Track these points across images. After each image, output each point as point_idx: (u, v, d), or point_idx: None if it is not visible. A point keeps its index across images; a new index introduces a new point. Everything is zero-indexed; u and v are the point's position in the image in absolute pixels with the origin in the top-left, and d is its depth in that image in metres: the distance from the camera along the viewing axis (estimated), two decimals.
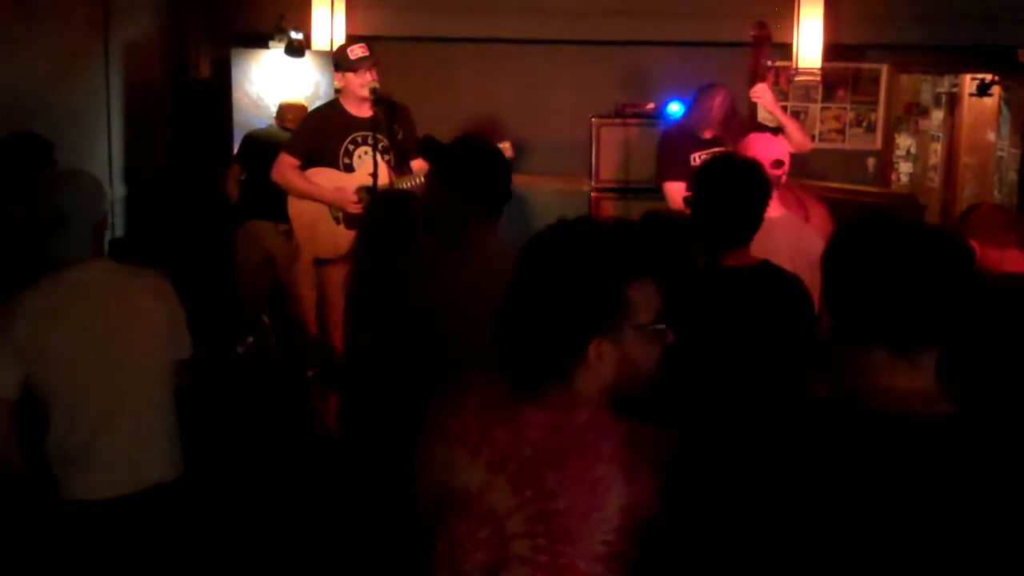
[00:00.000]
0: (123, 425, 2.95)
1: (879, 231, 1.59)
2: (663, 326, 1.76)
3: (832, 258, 1.62)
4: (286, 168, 5.16)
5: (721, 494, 1.56)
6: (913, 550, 1.43)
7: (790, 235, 3.55)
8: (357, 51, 5.08)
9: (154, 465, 3.01)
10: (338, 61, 5.24)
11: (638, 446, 1.69)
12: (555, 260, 1.74)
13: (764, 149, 3.87)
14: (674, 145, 5.31)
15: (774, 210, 3.38)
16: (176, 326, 3.10)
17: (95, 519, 2.92)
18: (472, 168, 3.00)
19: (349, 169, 5.13)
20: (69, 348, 2.88)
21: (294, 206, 5.24)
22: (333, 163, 5.13)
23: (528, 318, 1.74)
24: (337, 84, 6.90)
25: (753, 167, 3.12)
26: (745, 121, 5.24)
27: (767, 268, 3.03)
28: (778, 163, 3.87)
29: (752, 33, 5.34)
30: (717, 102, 5.17)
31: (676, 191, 5.04)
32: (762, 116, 5.26)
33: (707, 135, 5.22)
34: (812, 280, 3.34)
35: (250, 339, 6.12)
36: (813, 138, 7.90)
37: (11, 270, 3.19)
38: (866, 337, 1.55)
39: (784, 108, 7.77)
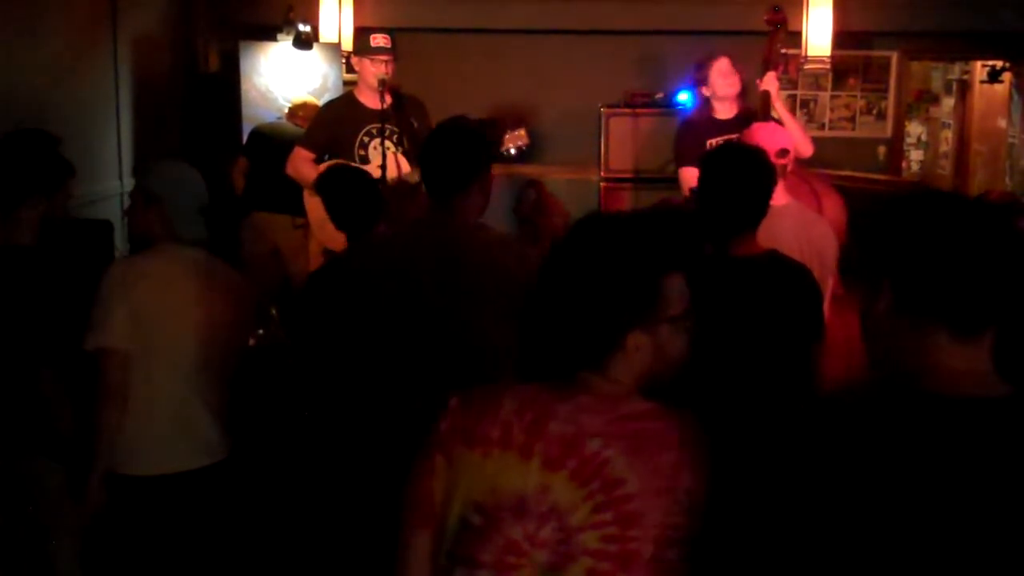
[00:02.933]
0: (195, 401, 3.10)
1: (937, 205, 1.57)
2: (693, 318, 1.81)
3: (890, 234, 1.58)
4: (300, 161, 5.16)
5: (772, 478, 1.56)
6: (969, 533, 1.42)
7: (796, 223, 3.54)
8: (379, 40, 5.06)
9: (202, 449, 3.14)
10: (358, 46, 5.22)
11: (696, 432, 1.73)
12: (595, 251, 1.79)
13: (769, 137, 3.85)
14: (691, 130, 5.29)
15: (779, 199, 3.36)
16: (248, 319, 3.36)
17: (149, 494, 3.04)
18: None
19: (364, 161, 5.11)
20: (171, 319, 3.05)
21: (310, 199, 5.23)
22: (348, 155, 5.11)
23: (566, 308, 1.78)
24: (346, 76, 6.96)
25: (756, 153, 3.11)
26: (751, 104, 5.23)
27: (775, 257, 3.02)
28: (783, 152, 3.84)
29: (766, 18, 5.30)
30: (718, 60, 5.17)
31: (692, 176, 5.04)
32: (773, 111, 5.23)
33: (719, 114, 5.20)
34: (821, 268, 3.35)
35: (259, 331, 6.13)
36: (823, 126, 7.90)
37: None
38: (926, 316, 1.53)
39: (793, 98, 7.86)
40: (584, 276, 1.77)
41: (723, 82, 5.16)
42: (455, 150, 3.06)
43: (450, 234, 3.02)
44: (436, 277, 2.96)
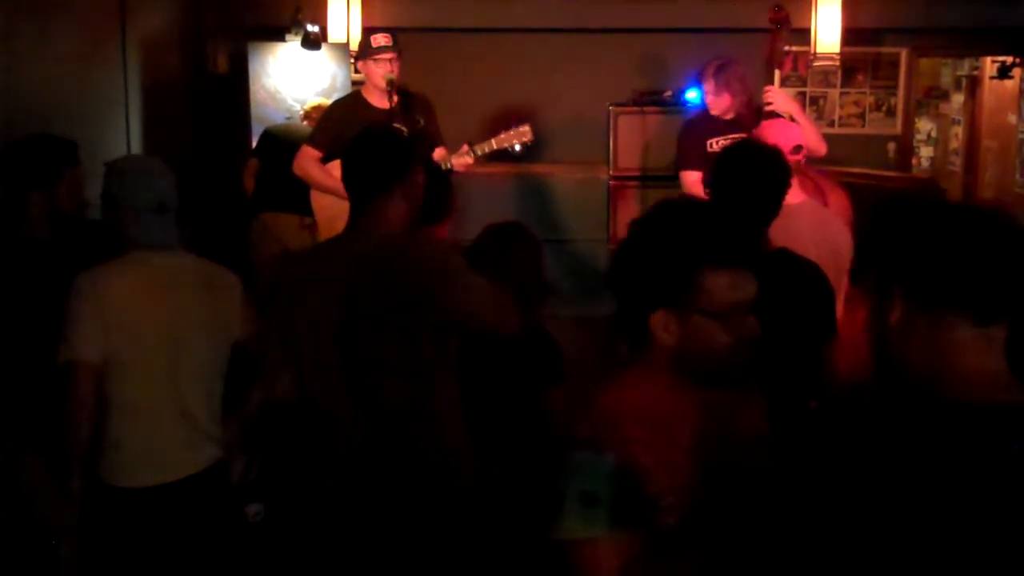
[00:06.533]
0: (181, 408, 3.00)
1: (934, 206, 1.62)
2: (738, 317, 1.82)
3: (896, 241, 1.57)
4: (307, 160, 5.14)
5: (786, 484, 1.54)
6: (993, 542, 1.39)
7: (812, 222, 3.52)
8: (380, 39, 5.03)
9: (198, 454, 3.05)
10: (361, 50, 5.20)
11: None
12: (645, 234, 1.87)
13: (781, 134, 3.84)
14: (692, 133, 5.30)
15: (795, 196, 3.35)
16: (236, 323, 3.14)
17: (141, 505, 2.96)
18: None
19: None
20: (147, 329, 2.94)
21: (317, 199, 5.22)
22: None
23: (616, 282, 1.90)
24: (355, 75, 6.96)
25: (773, 153, 3.10)
26: (753, 98, 5.22)
27: (785, 255, 3.00)
28: (797, 148, 3.83)
29: (769, 17, 5.29)
30: (709, 75, 5.17)
31: (691, 180, 5.06)
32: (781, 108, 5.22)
33: (722, 116, 5.20)
34: (837, 267, 3.33)
35: None
36: (833, 123, 7.89)
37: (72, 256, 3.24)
38: (946, 307, 1.50)
39: (803, 95, 7.84)
40: (629, 255, 1.88)
41: (710, 102, 5.19)
42: (377, 152, 2.93)
43: (373, 242, 2.87)
44: (357, 288, 2.83)
